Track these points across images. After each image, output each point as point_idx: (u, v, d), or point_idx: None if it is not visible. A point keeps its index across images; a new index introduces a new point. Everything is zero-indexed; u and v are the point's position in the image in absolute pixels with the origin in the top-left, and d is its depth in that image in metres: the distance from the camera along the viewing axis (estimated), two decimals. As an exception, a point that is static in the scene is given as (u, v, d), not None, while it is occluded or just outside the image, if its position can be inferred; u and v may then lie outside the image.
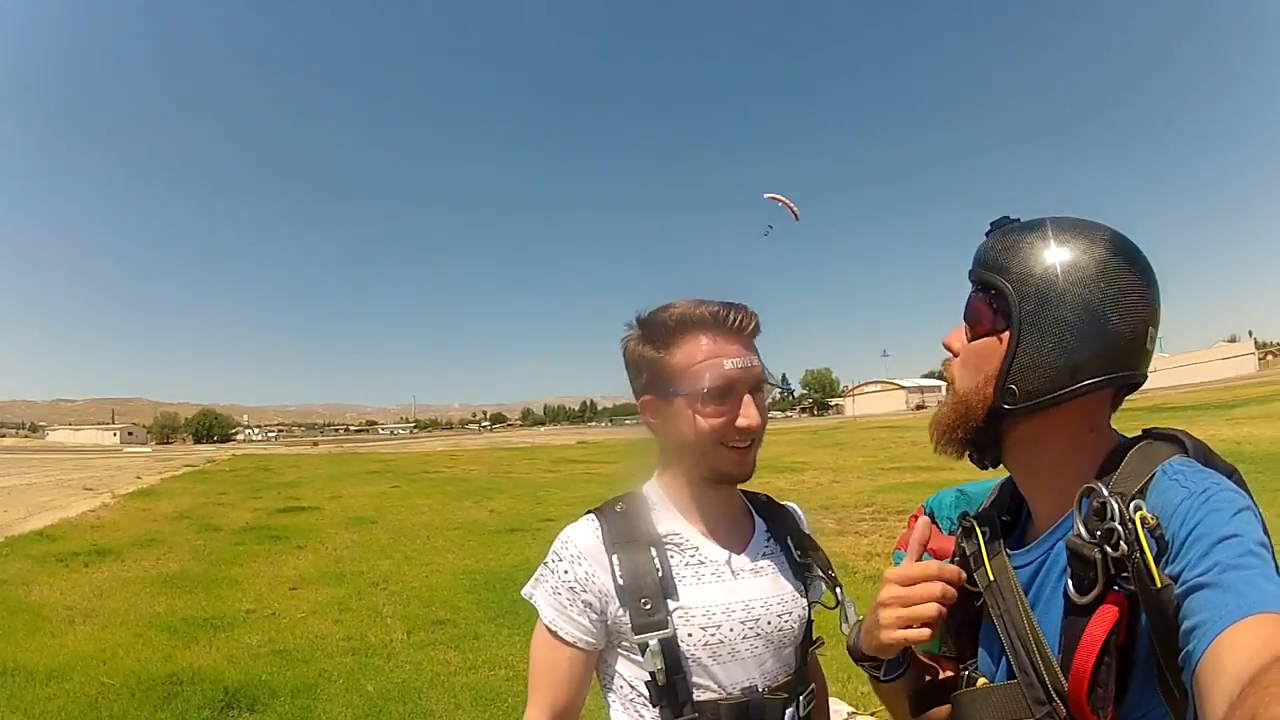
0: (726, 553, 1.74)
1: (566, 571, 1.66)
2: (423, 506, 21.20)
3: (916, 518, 5.40)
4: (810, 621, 1.83)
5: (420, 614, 9.21)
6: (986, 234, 1.47)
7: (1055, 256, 1.32)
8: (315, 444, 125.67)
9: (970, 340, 1.44)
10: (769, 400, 1.80)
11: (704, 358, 1.64)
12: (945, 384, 1.51)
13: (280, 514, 20.26)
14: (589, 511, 1.78)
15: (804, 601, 1.79)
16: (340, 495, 25.17)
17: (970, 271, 1.47)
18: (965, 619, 1.55)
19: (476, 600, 9.53)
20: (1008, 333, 1.35)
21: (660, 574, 1.64)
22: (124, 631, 8.50)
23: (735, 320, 1.67)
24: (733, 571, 1.72)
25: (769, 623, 1.70)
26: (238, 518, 19.44)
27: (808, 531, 1.96)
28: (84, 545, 14.21)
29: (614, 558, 1.65)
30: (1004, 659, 1.39)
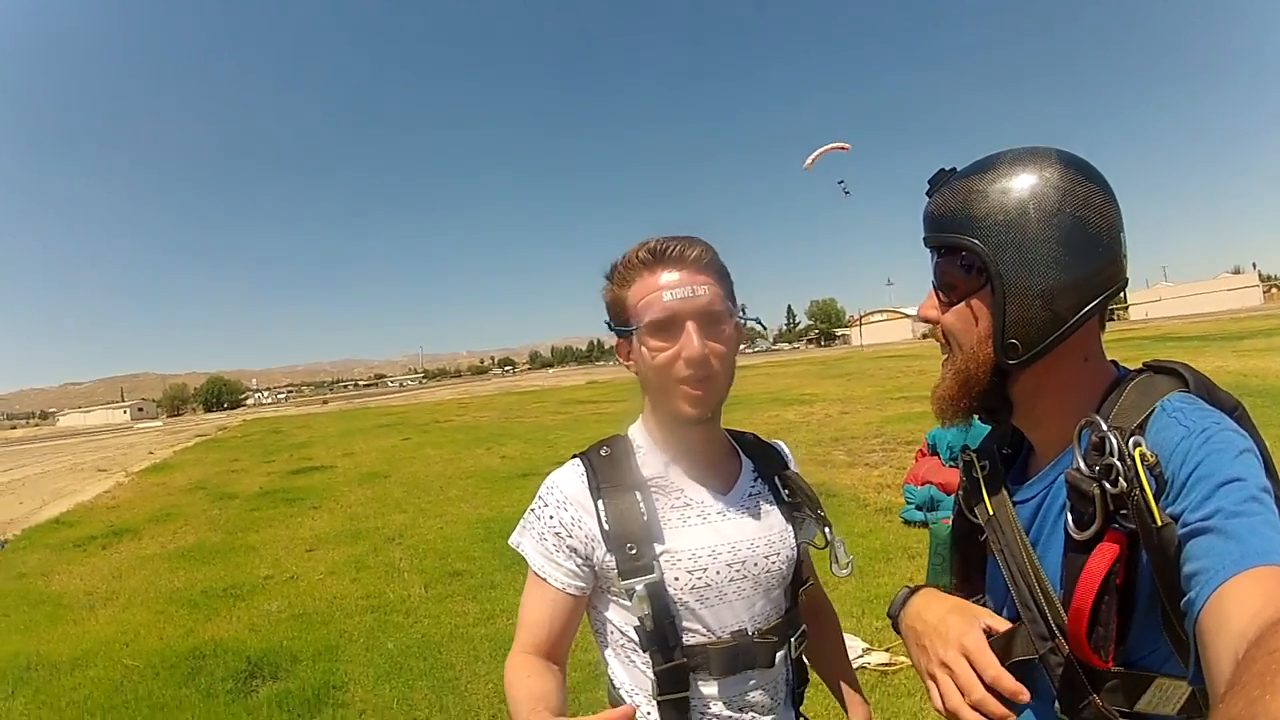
0: (712, 494, 1.73)
1: (552, 517, 1.66)
2: (435, 457, 21.23)
3: (923, 453, 5.52)
4: (800, 562, 1.81)
5: (437, 566, 9.25)
6: (928, 193, 1.42)
7: (1015, 195, 1.29)
8: (325, 402, 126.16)
9: (949, 306, 1.40)
10: (741, 334, 1.74)
11: (645, 293, 1.62)
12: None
13: (293, 476, 20.36)
14: (575, 455, 1.77)
15: (792, 542, 1.77)
16: (352, 452, 25.28)
17: (926, 238, 1.43)
18: (971, 554, 1.56)
19: (492, 549, 9.52)
20: (988, 288, 1.31)
21: (645, 518, 1.63)
22: (145, 611, 8.54)
23: (677, 250, 1.63)
24: (719, 513, 1.70)
25: (756, 564, 1.68)
26: (252, 483, 19.54)
27: (795, 469, 1.91)
28: (101, 528, 14.27)
29: (599, 503, 1.65)
30: (1009, 596, 1.38)
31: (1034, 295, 1.26)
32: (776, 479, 1.83)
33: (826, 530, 1.76)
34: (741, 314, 1.71)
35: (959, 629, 1.30)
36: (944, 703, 1.25)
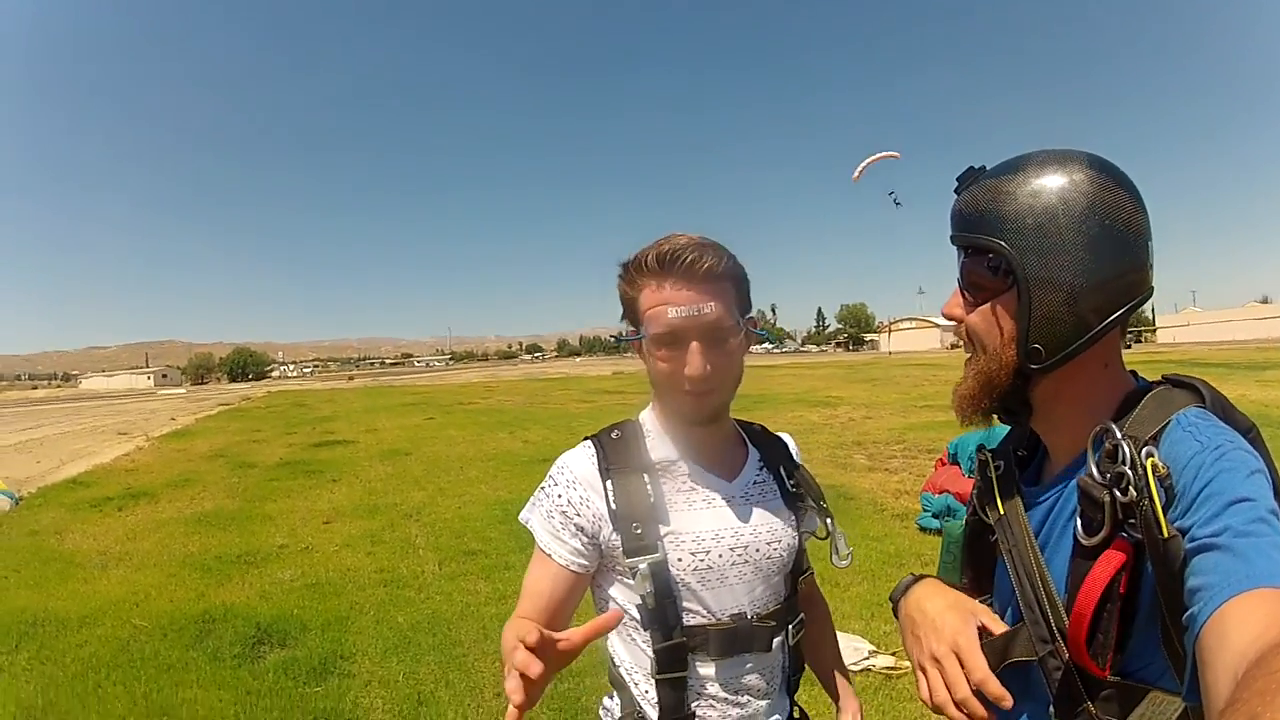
0: (718, 480, 1.78)
1: (560, 496, 1.71)
2: (457, 438, 21.24)
3: (943, 461, 5.54)
4: (801, 550, 1.87)
5: (452, 545, 9.21)
6: (956, 190, 1.42)
7: (1044, 198, 1.28)
8: (350, 378, 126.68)
9: (974, 306, 1.40)
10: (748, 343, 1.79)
11: (653, 304, 1.64)
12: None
13: (315, 449, 20.39)
14: (587, 438, 1.82)
15: (794, 531, 1.83)
16: (375, 428, 25.32)
17: (953, 236, 1.42)
18: (982, 554, 1.57)
19: (508, 530, 9.46)
20: (1014, 291, 1.31)
21: (652, 499, 1.68)
22: (157, 573, 8.52)
23: (686, 261, 1.60)
24: (724, 499, 1.76)
25: (758, 550, 1.74)
26: (272, 454, 19.59)
27: (800, 462, 1.97)
28: (117, 490, 14.30)
29: (608, 483, 1.70)
30: (1014, 596, 1.39)
31: (1060, 301, 1.27)
32: (781, 469, 1.88)
33: (828, 521, 1.84)
34: (750, 326, 1.73)
35: (954, 626, 1.33)
36: (931, 697, 1.29)
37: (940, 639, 1.33)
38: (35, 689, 5.52)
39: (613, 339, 1.88)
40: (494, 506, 11.16)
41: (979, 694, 1.22)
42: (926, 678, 1.32)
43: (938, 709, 1.28)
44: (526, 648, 1.19)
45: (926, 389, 29.95)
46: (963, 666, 1.27)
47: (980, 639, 1.39)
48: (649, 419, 1.83)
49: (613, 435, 1.78)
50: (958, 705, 1.25)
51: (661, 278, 1.62)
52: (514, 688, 1.17)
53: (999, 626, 1.34)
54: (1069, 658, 1.23)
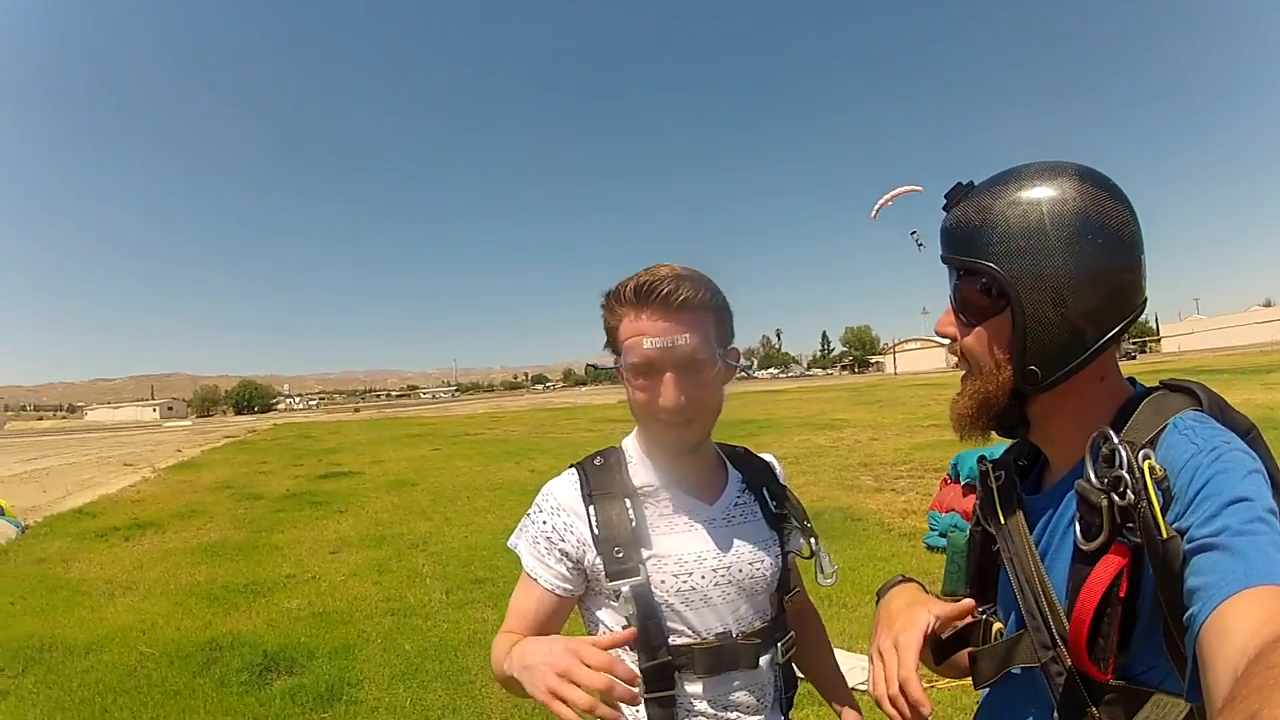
0: (699, 503, 1.81)
1: (545, 522, 1.77)
2: (463, 468, 21.22)
3: (948, 480, 5.53)
4: (786, 570, 1.88)
5: (459, 574, 9.22)
6: (945, 208, 1.42)
7: (1034, 216, 1.28)
8: (357, 410, 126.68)
9: (968, 326, 1.40)
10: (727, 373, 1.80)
11: (629, 335, 1.67)
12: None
13: (321, 480, 20.37)
14: (571, 465, 1.87)
15: (777, 550, 1.85)
16: (381, 459, 25.26)
17: (944, 256, 1.43)
18: (986, 563, 1.58)
19: (515, 559, 9.27)
20: (1007, 312, 1.31)
21: (634, 524, 1.72)
22: (164, 601, 8.51)
23: (661, 294, 1.63)
24: (705, 521, 1.79)
25: (740, 570, 1.76)
26: (279, 485, 19.57)
27: (784, 483, 2.00)
28: (124, 520, 14.29)
29: (591, 508, 1.74)
30: (1017, 604, 1.39)
31: (1054, 321, 1.27)
32: (764, 490, 1.91)
33: (812, 541, 1.87)
34: (730, 358, 1.76)
35: (903, 623, 1.37)
36: (872, 689, 1.34)
37: (888, 634, 1.37)
38: (42, 712, 5.53)
39: (591, 368, 1.96)
40: (501, 535, 10.96)
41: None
42: (872, 670, 1.36)
43: (877, 701, 1.32)
44: (593, 665, 1.32)
45: (933, 408, 29.90)
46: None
47: (981, 644, 1.47)
48: (632, 445, 1.87)
49: (596, 462, 1.82)
50: (891, 700, 1.29)
51: (639, 309, 1.65)
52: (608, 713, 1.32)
53: (950, 613, 1.39)
54: (1071, 663, 1.24)
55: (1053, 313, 1.26)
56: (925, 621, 1.37)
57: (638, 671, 1.64)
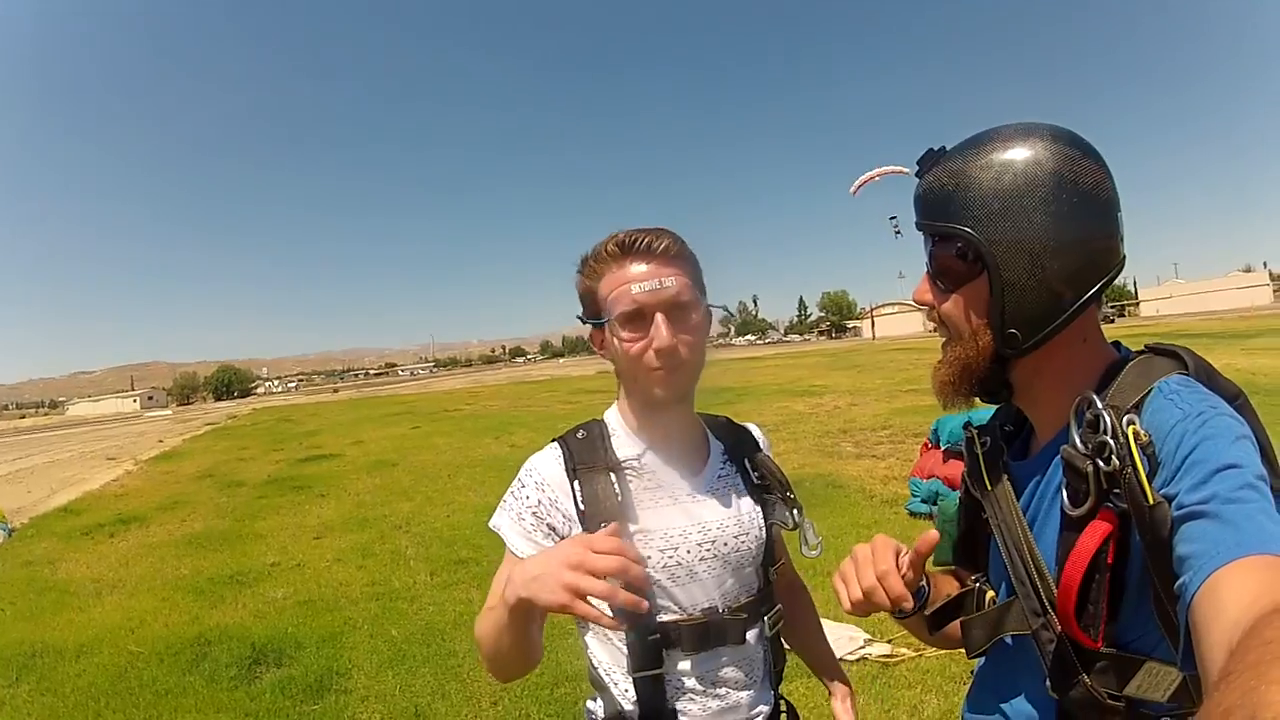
0: (682, 476, 1.80)
1: (529, 497, 1.74)
2: (443, 446, 21.19)
3: (928, 445, 5.56)
4: (771, 541, 1.87)
5: (443, 554, 9.27)
6: (918, 174, 1.41)
7: (1007, 178, 1.27)
8: (335, 390, 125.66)
9: (945, 292, 1.39)
10: (710, 321, 1.81)
11: (614, 286, 1.67)
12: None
13: (302, 464, 20.32)
14: (553, 439, 1.84)
15: (761, 522, 1.83)
16: (361, 440, 25.21)
17: (919, 222, 1.42)
18: (975, 531, 1.59)
19: (498, 537, 9.39)
20: (984, 276, 1.31)
21: (619, 498, 1.69)
22: (151, 598, 8.55)
23: (645, 243, 1.67)
24: (689, 495, 1.77)
25: (726, 544, 1.75)
26: (260, 471, 19.53)
27: (767, 452, 1.98)
28: (108, 516, 14.25)
29: (575, 483, 1.72)
30: (1006, 571, 1.40)
31: (1032, 284, 1.26)
32: (746, 461, 1.89)
33: (796, 512, 1.82)
34: (707, 302, 1.76)
35: (875, 541, 1.43)
36: (842, 583, 1.40)
37: (860, 550, 1.42)
38: (37, 720, 5.55)
39: (582, 321, 1.83)
40: (483, 513, 10.95)
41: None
42: (844, 581, 1.41)
43: (851, 603, 1.37)
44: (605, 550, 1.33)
45: (911, 373, 29.88)
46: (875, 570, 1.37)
47: (976, 609, 1.50)
48: (614, 418, 1.85)
49: (579, 435, 1.81)
50: (867, 593, 1.34)
51: (622, 260, 1.67)
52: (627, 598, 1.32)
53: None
54: (1061, 630, 1.24)
55: (1030, 275, 1.25)
56: (897, 544, 1.41)
57: (625, 651, 1.68)
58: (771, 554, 1.87)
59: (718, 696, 1.74)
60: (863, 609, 1.39)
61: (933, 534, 1.39)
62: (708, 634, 1.70)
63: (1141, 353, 1.34)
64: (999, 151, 1.29)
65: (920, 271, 1.46)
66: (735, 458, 1.90)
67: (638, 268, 1.66)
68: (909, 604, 1.36)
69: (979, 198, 1.28)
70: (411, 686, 5.65)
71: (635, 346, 1.66)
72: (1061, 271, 1.25)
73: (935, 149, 1.40)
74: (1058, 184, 1.24)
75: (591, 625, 1.75)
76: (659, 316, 1.64)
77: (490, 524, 1.82)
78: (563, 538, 1.68)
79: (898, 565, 1.39)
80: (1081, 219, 1.25)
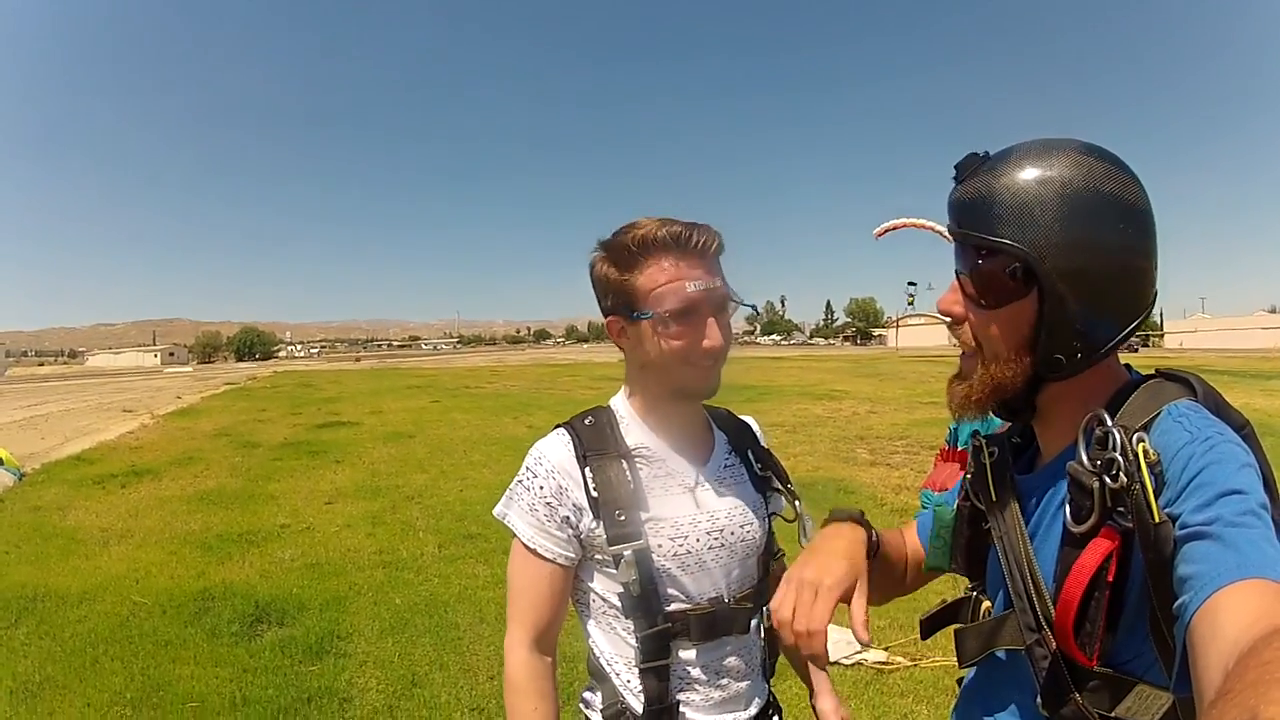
0: (691, 465, 1.80)
1: (542, 487, 1.70)
2: (462, 421, 21.22)
3: (943, 455, 5.39)
4: (770, 533, 1.89)
5: (452, 528, 9.26)
6: (957, 179, 1.34)
7: (1072, 196, 1.21)
8: (358, 359, 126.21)
9: (983, 309, 1.33)
10: (734, 317, 1.80)
11: (666, 280, 1.65)
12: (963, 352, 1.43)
13: (319, 429, 20.37)
14: (558, 426, 1.82)
15: (765, 512, 1.86)
16: (380, 410, 25.27)
17: (961, 233, 1.34)
18: (976, 540, 1.55)
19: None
20: (1032, 296, 1.26)
21: (632, 486, 1.68)
22: (158, 550, 8.56)
23: (698, 241, 1.67)
24: (697, 483, 1.78)
25: (732, 533, 1.76)
26: (277, 434, 19.57)
27: (765, 445, 2.00)
28: (121, 467, 14.32)
29: (586, 470, 1.70)
30: (1005, 583, 1.38)
31: (1086, 310, 1.23)
32: (749, 452, 1.92)
33: (796, 504, 1.85)
34: (745, 303, 1.78)
35: (835, 573, 1.31)
36: (778, 609, 1.30)
37: (814, 572, 1.31)
38: (33, 664, 5.55)
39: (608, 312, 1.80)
40: (496, 490, 10.96)
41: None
42: (784, 596, 1.32)
43: (779, 626, 1.30)
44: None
45: (932, 385, 29.84)
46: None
47: (969, 622, 1.48)
48: (622, 405, 1.84)
49: (586, 422, 1.79)
50: (796, 637, 1.27)
51: (675, 255, 1.65)
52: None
53: (860, 601, 1.30)
54: (1056, 647, 1.23)
55: (1085, 301, 1.22)
56: (848, 584, 1.32)
57: (634, 643, 1.68)
58: (771, 544, 1.90)
59: (720, 687, 1.75)
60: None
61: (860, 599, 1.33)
62: (715, 623, 1.70)
63: (1151, 376, 1.33)
64: (1057, 169, 1.23)
65: (931, 277, 1.40)
66: (738, 448, 1.91)
67: (691, 266, 1.66)
68: (823, 664, 1.34)
69: (1040, 219, 1.22)
70: (410, 655, 5.64)
71: (681, 343, 1.66)
72: (1117, 300, 1.24)
73: (979, 154, 1.34)
74: (1119, 210, 1.22)
75: (594, 612, 1.77)
76: (712, 318, 1.67)
77: (496, 512, 1.81)
78: (574, 528, 1.69)
79: (850, 599, 1.33)
80: (1138, 248, 1.24)
